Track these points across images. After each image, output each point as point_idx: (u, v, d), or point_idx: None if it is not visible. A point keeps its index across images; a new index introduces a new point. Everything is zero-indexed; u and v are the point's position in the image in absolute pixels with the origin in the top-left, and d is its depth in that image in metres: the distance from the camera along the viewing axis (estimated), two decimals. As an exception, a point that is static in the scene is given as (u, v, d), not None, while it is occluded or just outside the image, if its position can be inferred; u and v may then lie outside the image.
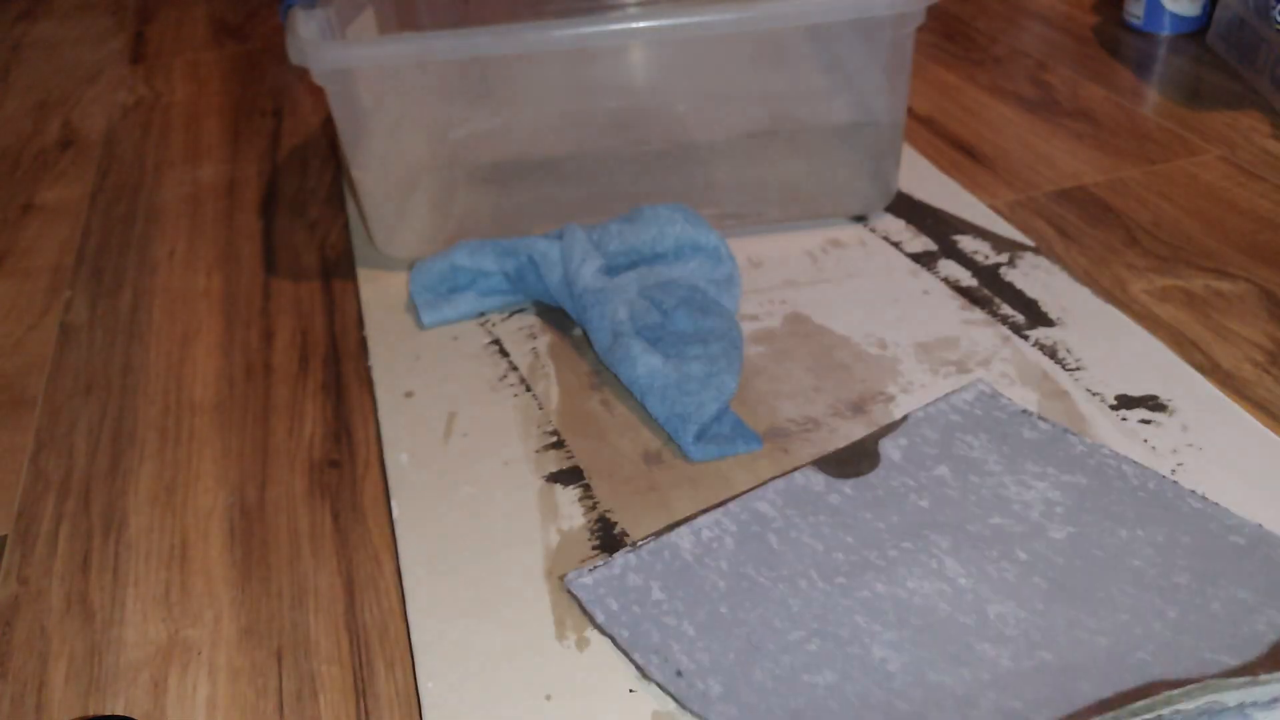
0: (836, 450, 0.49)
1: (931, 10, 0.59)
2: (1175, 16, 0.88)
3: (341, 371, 0.58)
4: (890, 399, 0.52)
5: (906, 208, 0.68)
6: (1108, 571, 0.42)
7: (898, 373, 0.54)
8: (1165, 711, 0.35)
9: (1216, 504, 0.44)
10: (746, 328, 0.58)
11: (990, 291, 0.59)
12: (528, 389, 0.55)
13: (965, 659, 0.39)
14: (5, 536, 0.49)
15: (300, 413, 0.55)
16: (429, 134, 0.71)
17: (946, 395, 0.51)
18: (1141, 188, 0.69)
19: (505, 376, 0.55)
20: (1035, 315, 0.57)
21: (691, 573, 0.43)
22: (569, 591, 0.43)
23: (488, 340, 0.58)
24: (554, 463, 0.50)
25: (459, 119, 0.71)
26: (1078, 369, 0.53)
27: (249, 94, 0.93)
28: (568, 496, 0.48)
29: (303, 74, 0.61)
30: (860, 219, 0.67)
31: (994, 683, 0.39)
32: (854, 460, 0.48)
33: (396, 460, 0.51)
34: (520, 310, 0.61)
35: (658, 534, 0.45)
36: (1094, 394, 0.51)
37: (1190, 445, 0.48)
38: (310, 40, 0.57)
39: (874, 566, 0.43)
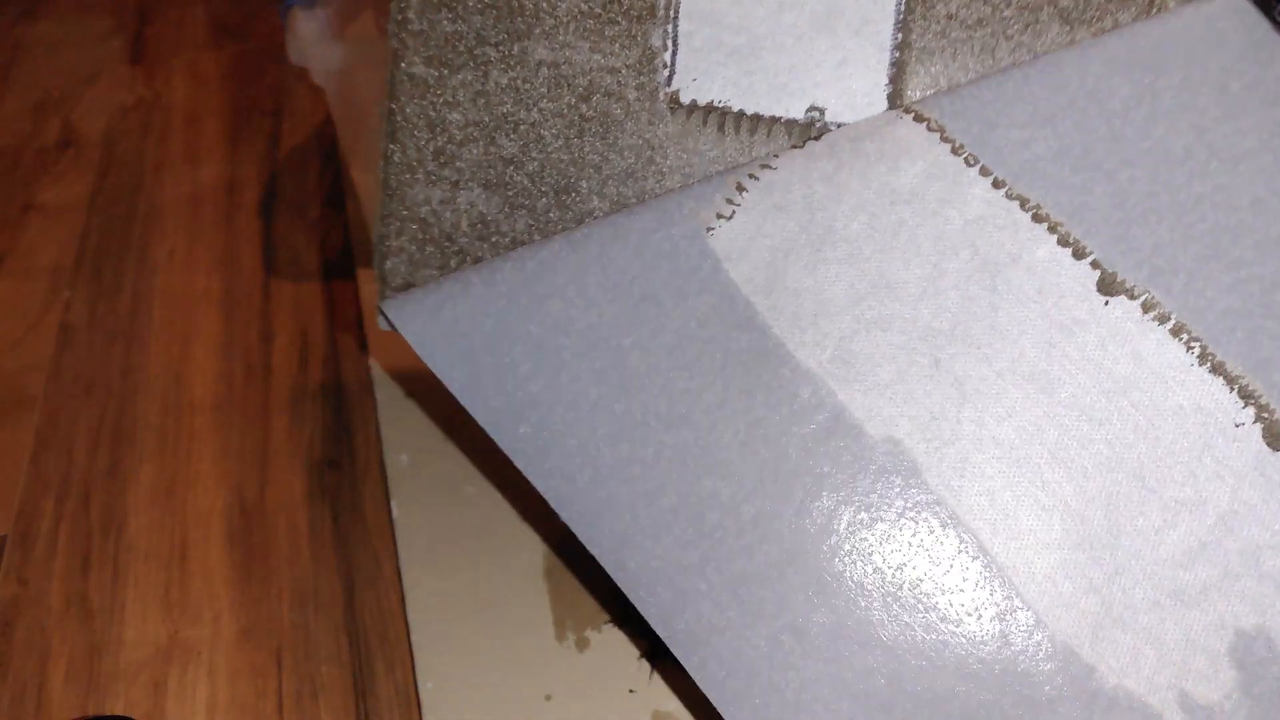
0: None
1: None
2: (1175, 16, 0.87)
3: (341, 372, 0.58)
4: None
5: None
6: None
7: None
8: None
9: None
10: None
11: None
12: (527, 389, 0.54)
13: None
14: (5, 536, 0.49)
15: (300, 413, 0.55)
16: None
17: None
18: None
19: (505, 377, 0.55)
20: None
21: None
22: (385, 318, 0.38)
23: (487, 340, 0.58)
24: (554, 463, 0.50)
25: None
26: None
27: (249, 94, 0.93)
28: (568, 497, 0.48)
29: (303, 74, 0.61)
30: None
31: None
32: None
33: (396, 460, 0.50)
34: (520, 310, 0.60)
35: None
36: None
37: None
38: (310, 40, 0.57)
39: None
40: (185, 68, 0.99)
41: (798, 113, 0.36)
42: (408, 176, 0.36)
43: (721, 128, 0.36)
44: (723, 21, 0.35)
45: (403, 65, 0.34)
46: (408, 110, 0.35)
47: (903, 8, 0.35)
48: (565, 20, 0.34)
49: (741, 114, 0.36)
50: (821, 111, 0.36)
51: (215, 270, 0.68)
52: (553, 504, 0.34)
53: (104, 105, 0.93)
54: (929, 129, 0.35)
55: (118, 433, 0.55)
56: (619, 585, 0.32)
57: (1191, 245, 0.33)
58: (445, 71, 0.34)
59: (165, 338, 0.62)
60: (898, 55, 0.36)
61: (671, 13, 0.35)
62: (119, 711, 0.41)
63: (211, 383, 0.58)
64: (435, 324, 0.36)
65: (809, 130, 0.36)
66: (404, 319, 0.37)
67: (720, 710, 0.31)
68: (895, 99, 0.36)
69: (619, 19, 0.34)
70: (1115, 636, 0.30)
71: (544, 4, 0.34)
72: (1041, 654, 0.30)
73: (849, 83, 0.36)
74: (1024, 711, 0.29)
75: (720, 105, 0.36)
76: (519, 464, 0.34)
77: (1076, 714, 0.29)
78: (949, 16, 0.35)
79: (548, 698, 0.39)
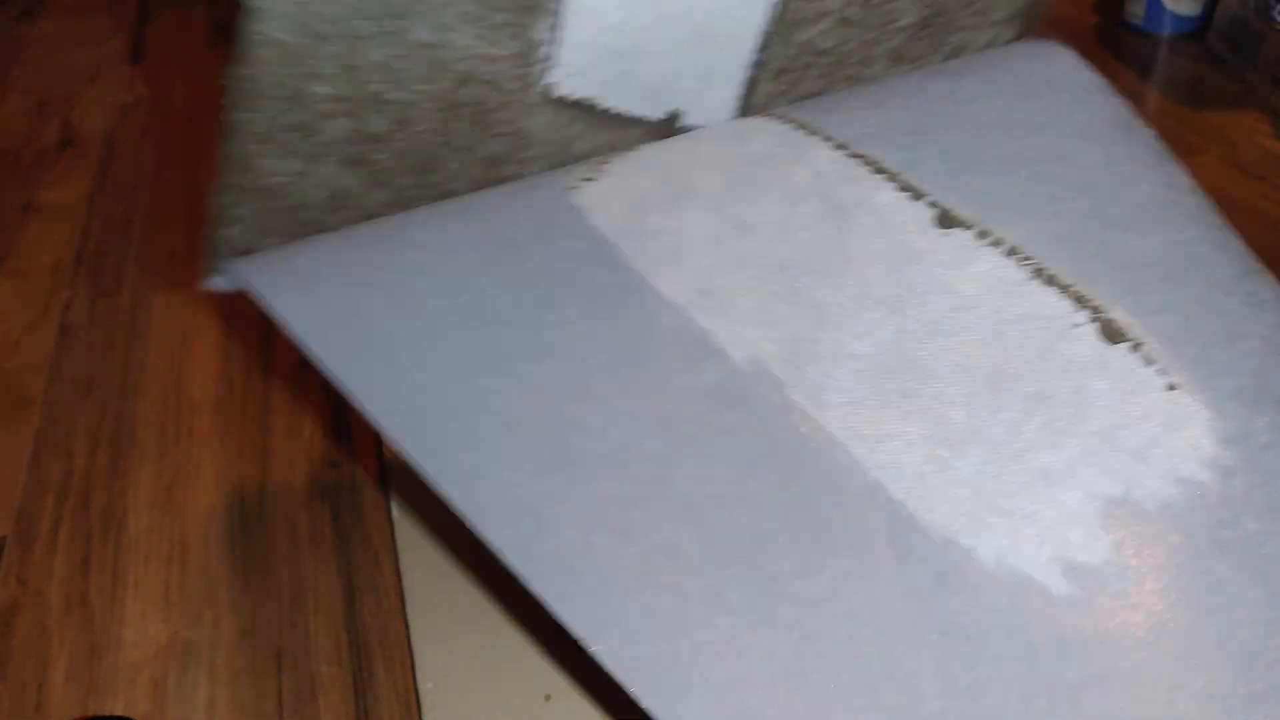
0: None
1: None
2: (1176, 16, 0.88)
3: (341, 372, 0.57)
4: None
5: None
6: None
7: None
8: None
9: None
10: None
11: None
12: (528, 389, 0.54)
13: None
14: (5, 537, 0.49)
15: (300, 413, 0.55)
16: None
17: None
18: (1142, 188, 0.69)
19: (505, 377, 0.55)
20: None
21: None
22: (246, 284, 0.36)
23: (487, 340, 0.58)
24: (554, 463, 0.50)
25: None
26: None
27: (249, 94, 0.92)
28: (568, 497, 0.48)
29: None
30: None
31: None
32: None
33: (396, 460, 0.50)
34: (520, 310, 0.60)
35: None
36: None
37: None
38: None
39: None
40: (185, 68, 0.99)
41: (660, 114, 0.38)
42: (256, 147, 0.34)
43: (589, 123, 0.37)
44: (606, 22, 0.35)
45: (260, 28, 0.31)
46: (266, 79, 0.32)
47: (768, 30, 0.37)
48: (449, 3, 0.33)
49: (608, 111, 0.37)
50: (680, 115, 0.38)
51: (215, 270, 0.68)
52: (397, 441, 0.32)
53: (104, 105, 0.93)
54: (775, 117, 0.38)
55: (118, 433, 0.55)
56: (470, 522, 0.31)
57: (1014, 189, 0.37)
58: (311, 40, 0.32)
59: (165, 337, 0.62)
60: (753, 72, 0.38)
61: (558, 6, 0.34)
62: (119, 711, 0.41)
63: (211, 382, 0.58)
64: (281, 275, 0.34)
65: (668, 130, 0.38)
66: (244, 272, 0.35)
67: (585, 639, 0.29)
68: (744, 110, 0.39)
69: (505, 8, 0.34)
70: (992, 522, 0.31)
71: None
72: (918, 548, 0.31)
73: (709, 92, 0.38)
74: (908, 605, 0.30)
75: (591, 101, 0.36)
76: (363, 405, 0.32)
77: (960, 600, 0.30)
78: (803, 43, 0.38)
79: (548, 698, 0.39)
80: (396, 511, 0.48)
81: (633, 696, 0.29)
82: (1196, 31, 0.88)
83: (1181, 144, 0.74)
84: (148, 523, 0.49)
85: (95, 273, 0.69)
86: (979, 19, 0.42)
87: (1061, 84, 0.40)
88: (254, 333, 0.61)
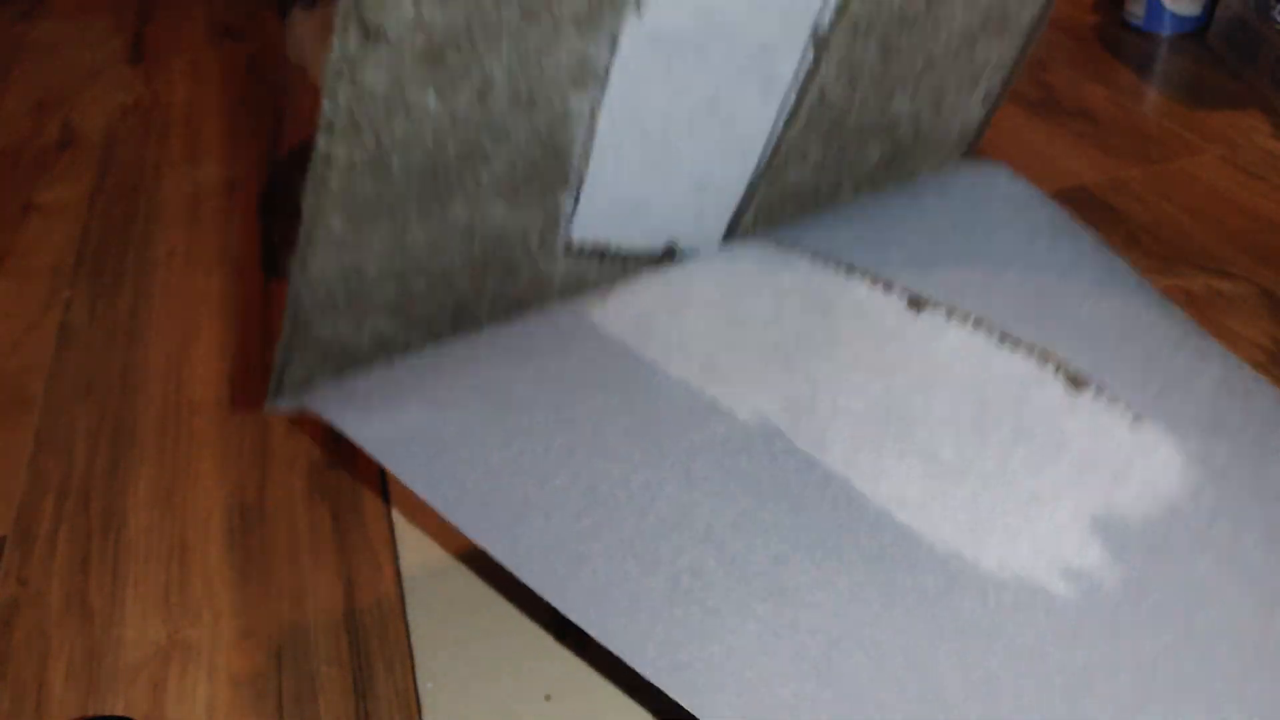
0: None
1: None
2: (1175, 16, 0.88)
3: (341, 372, 0.58)
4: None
5: (906, 208, 0.68)
6: None
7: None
8: None
9: None
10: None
11: (990, 291, 0.59)
12: (527, 389, 0.55)
13: None
14: (5, 537, 0.49)
15: (300, 413, 0.55)
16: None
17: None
18: (1142, 187, 0.69)
19: (505, 377, 0.55)
20: (1035, 315, 0.57)
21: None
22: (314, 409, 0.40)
23: (487, 340, 0.58)
24: (554, 463, 0.50)
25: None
26: (1078, 369, 0.53)
27: (249, 94, 0.93)
28: (567, 497, 0.48)
29: (302, 74, 0.61)
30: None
31: None
32: None
33: (396, 460, 0.51)
34: (520, 310, 0.60)
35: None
36: (1094, 394, 0.51)
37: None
38: (310, 40, 0.57)
39: None
40: (185, 68, 0.99)
41: (659, 247, 0.44)
42: (317, 314, 0.38)
43: (600, 260, 0.43)
44: (621, 192, 0.41)
45: (320, 222, 0.35)
46: (322, 262, 0.36)
47: (758, 175, 0.43)
48: (487, 186, 0.37)
49: (618, 251, 0.43)
50: (675, 245, 0.44)
51: (215, 270, 0.68)
52: (439, 507, 0.36)
53: (104, 105, 0.93)
54: (757, 239, 0.45)
55: (118, 433, 0.55)
56: (508, 567, 0.34)
57: (974, 277, 0.43)
58: (365, 227, 0.36)
59: (165, 337, 0.62)
60: (741, 205, 0.44)
61: (580, 179, 0.39)
62: (119, 711, 0.41)
63: (211, 383, 0.58)
64: (337, 396, 0.40)
65: (665, 258, 0.44)
66: (306, 400, 0.40)
67: (626, 659, 0.32)
68: (729, 237, 0.46)
69: (533, 182, 0.38)
70: (991, 539, 0.35)
71: (468, 172, 0.36)
72: (925, 561, 0.35)
73: (701, 227, 0.44)
74: (923, 607, 0.33)
75: (603, 246, 0.43)
76: (404, 478, 0.36)
77: (970, 601, 0.34)
78: (786, 184, 0.45)
79: (548, 698, 0.39)
80: (396, 512, 0.48)
81: (673, 698, 0.31)
82: (1196, 31, 0.88)
83: (1181, 144, 0.74)
84: (148, 523, 0.49)
85: (95, 273, 0.69)
86: (933, 151, 0.48)
87: (1006, 195, 0.47)
88: (254, 332, 0.61)
